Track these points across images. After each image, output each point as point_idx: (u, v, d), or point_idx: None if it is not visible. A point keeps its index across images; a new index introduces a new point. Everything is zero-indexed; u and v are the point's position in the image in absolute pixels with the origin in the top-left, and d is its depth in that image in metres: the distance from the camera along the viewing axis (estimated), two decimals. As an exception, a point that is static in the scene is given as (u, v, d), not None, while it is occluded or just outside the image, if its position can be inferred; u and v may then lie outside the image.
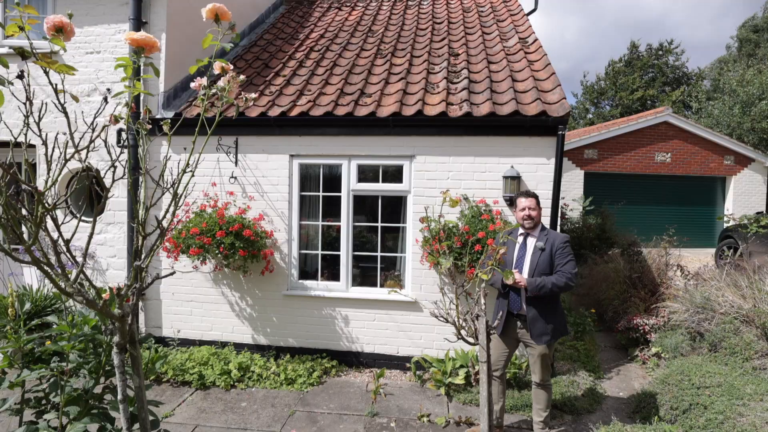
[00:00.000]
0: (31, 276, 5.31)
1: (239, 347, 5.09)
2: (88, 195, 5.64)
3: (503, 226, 4.31)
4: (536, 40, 6.06)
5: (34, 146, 5.55)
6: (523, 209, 3.42)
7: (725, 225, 9.64)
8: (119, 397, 1.65)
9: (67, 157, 1.58)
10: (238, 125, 5.06)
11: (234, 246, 4.36)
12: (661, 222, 11.54)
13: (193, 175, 1.96)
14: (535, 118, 4.51)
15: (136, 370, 1.70)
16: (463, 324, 2.08)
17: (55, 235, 1.85)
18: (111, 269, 5.38)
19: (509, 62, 5.56)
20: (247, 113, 4.99)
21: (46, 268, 1.51)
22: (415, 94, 5.06)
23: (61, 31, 1.60)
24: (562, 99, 4.67)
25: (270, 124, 4.95)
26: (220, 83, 2.07)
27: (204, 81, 2.10)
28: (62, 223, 1.70)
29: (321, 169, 5.06)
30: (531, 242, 3.44)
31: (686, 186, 12.12)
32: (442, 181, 4.77)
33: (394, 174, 4.94)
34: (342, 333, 4.99)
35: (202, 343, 5.16)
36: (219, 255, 4.52)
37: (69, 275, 1.59)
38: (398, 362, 4.89)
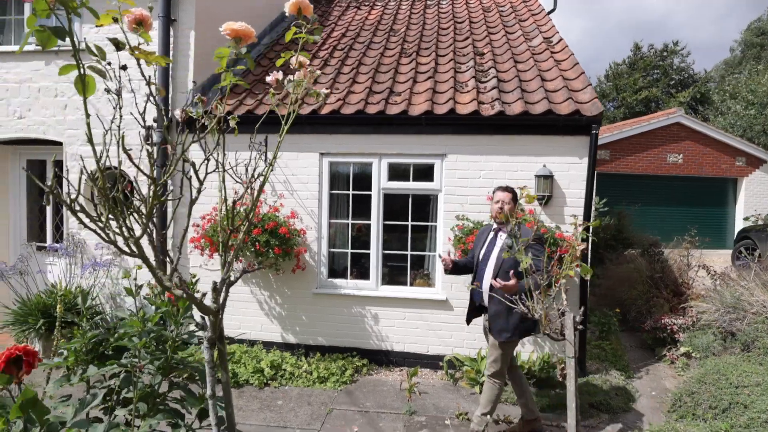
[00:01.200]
0: (61, 273, 5.28)
1: (268, 345, 5.07)
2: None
3: (537, 225, 4.33)
4: (561, 39, 6.06)
5: (60, 144, 5.55)
6: (497, 202, 3.35)
7: (745, 225, 9.64)
8: (208, 393, 1.64)
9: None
10: (268, 123, 5.03)
11: (269, 244, 4.35)
12: (672, 223, 11.55)
13: (272, 170, 1.96)
14: (569, 117, 4.51)
15: (222, 365, 1.70)
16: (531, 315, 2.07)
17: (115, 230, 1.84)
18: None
19: (536, 62, 5.56)
20: (277, 111, 4.98)
21: (151, 262, 1.50)
22: (445, 93, 5.06)
23: (141, 24, 1.60)
24: (594, 98, 4.68)
25: (301, 122, 4.94)
26: (290, 78, 2.07)
27: (280, 75, 2.10)
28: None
29: (351, 168, 5.06)
30: (501, 238, 3.38)
31: (697, 187, 12.15)
32: (474, 180, 4.77)
33: (425, 172, 4.93)
34: (371, 331, 4.98)
35: (230, 341, 5.15)
36: (253, 252, 4.51)
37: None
38: (428, 361, 4.88)
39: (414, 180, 4.93)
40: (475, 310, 3.56)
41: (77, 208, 1.32)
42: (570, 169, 4.65)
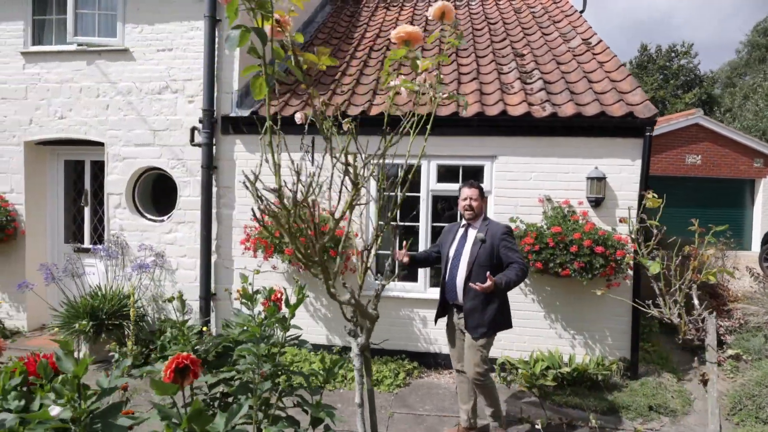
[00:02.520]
0: (103, 275, 5.24)
1: (314, 348, 5.04)
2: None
3: (595, 228, 4.32)
4: (600, 41, 6.05)
5: (100, 144, 5.51)
6: (465, 199, 3.34)
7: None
8: (357, 401, 1.62)
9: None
10: (313, 124, 5.03)
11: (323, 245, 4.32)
12: (689, 224, 11.53)
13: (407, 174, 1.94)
14: (622, 119, 4.51)
15: (367, 372, 1.67)
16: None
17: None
18: (181, 269, 5.33)
19: (579, 63, 5.55)
20: (325, 112, 4.97)
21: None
22: (492, 95, 5.04)
23: (281, 25, 1.60)
24: (645, 100, 4.67)
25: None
26: (412, 80, 2.05)
27: (399, 80, 2.08)
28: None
29: (399, 169, 5.03)
30: (472, 234, 3.37)
31: (715, 188, 12.18)
32: (524, 182, 4.76)
33: (474, 174, 4.92)
34: (420, 334, 4.96)
35: (276, 343, 5.12)
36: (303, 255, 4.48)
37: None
38: (477, 363, 4.86)
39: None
40: (445, 308, 3.50)
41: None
42: (622, 171, 4.64)
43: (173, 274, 5.33)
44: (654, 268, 1.88)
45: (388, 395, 4.27)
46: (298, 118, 2.23)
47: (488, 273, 3.06)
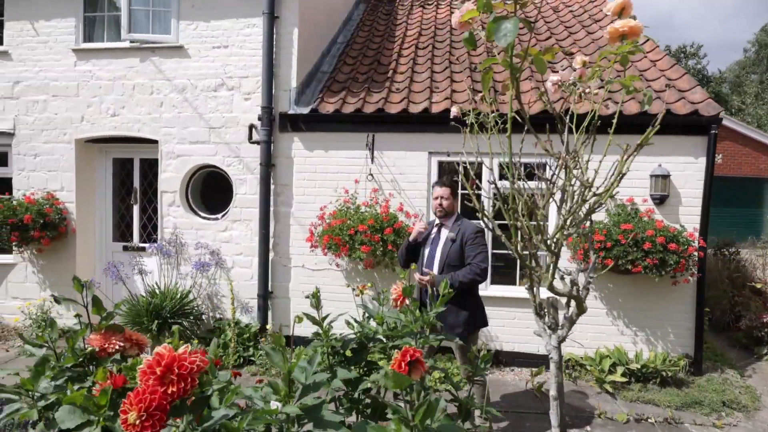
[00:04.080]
0: (162, 273, 5.20)
1: (373, 346, 5.05)
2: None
3: (665, 225, 4.34)
4: (648, 39, 6.08)
5: (151, 142, 5.48)
6: (436, 198, 3.33)
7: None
8: (552, 393, 1.62)
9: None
10: (374, 122, 5.04)
11: (396, 243, 4.33)
12: (718, 223, 11.61)
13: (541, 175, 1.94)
14: (687, 117, 4.53)
15: (559, 365, 1.68)
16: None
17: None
18: (236, 267, 5.30)
19: (632, 62, 5.57)
20: (386, 110, 4.97)
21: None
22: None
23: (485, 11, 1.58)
24: (707, 98, 4.70)
25: (410, 121, 4.92)
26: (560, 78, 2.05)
27: (560, 76, 2.08)
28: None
29: (460, 167, 5.03)
30: (444, 234, 3.36)
31: (736, 187, 12.25)
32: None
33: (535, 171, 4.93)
34: (481, 331, 4.96)
35: (335, 341, 5.11)
36: (371, 252, 4.48)
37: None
38: (537, 361, 4.86)
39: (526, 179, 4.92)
40: (423, 308, 3.49)
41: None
42: (685, 168, 4.66)
43: (229, 273, 5.30)
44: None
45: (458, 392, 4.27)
46: (454, 111, 2.23)
47: (428, 269, 3.13)
